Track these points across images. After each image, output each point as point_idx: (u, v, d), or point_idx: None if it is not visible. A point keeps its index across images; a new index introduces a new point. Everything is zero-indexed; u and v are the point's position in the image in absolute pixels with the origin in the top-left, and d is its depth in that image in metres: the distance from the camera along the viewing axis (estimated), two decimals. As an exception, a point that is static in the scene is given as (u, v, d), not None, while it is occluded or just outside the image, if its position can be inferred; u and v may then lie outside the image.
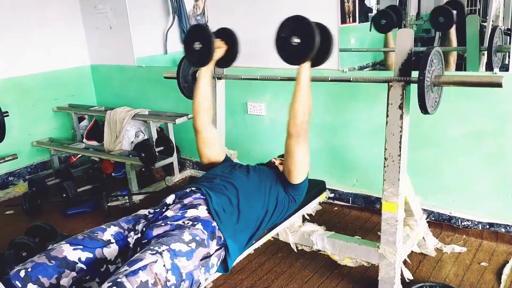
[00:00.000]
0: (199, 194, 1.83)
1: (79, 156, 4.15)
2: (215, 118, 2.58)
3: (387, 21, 3.10)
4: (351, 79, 2.13)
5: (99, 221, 3.08)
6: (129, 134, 3.82)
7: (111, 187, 3.56)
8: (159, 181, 3.70)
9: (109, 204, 3.23)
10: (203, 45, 2.09)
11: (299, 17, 1.87)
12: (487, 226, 2.56)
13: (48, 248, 1.57)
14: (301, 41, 1.86)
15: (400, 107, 1.92)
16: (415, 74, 1.85)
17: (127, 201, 3.29)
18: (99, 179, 3.63)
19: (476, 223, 2.59)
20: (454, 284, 2.20)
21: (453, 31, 2.86)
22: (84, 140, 4.07)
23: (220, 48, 2.15)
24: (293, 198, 2.07)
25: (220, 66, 2.33)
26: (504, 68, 2.40)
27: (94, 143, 4.03)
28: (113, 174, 4.01)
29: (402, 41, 1.91)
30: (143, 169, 3.76)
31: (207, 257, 1.61)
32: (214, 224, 1.72)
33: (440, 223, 2.70)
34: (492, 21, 2.75)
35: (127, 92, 4.20)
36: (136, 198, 3.43)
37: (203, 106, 2.17)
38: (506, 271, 2.25)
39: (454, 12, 2.82)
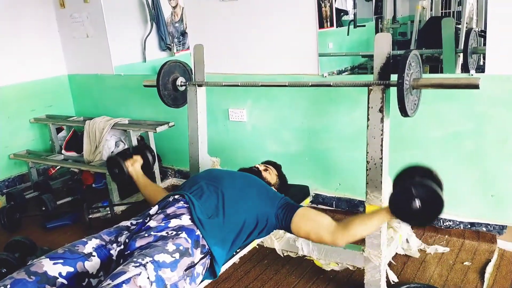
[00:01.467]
0: (182, 202, 1.81)
1: (58, 167, 4.07)
2: (196, 125, 2.56)
3: None
4: (332, 84, 2.14)
5: (80, 233, 3.03)
6: (109, 144, 3.76)
7: (92, 199, 3.50)
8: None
9: (90, 216, 3.17)
10: (119, 170, 2.42)
11: (431, 185, 1.70)
12: (469, 226, 2.59)
13: (28, 263, 1.53)
14: (421, 208, 1.67)
15: (381, 111, 1.93)
16: (394, 77, 1.87)
17: (109, 212, 3.23)
18: (79, 190, 3.57)
19: (458, 223, 2.62)
20: (439, 285, 2.22)
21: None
22: (63, 151, 3.99)
23: (136, 161, 2.43)
24: (277, 218, 1.97)
25: (145, 172, 2.50)
26: (480, 69, 2.44)
27: (73, 154, 3.95)
28: (93, 185, 3.94)
29: (380, 45, 1.93)
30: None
31: (191, 266, 1.59)
32: (198, 232, 1.70)
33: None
34: (466, 23, 2.81)
35: (106, 101, 4.14)
36: (118, 209, 3.37)
37: (150, 194, 2.30)
38: (488, 269, 2.28)
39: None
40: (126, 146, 3.75)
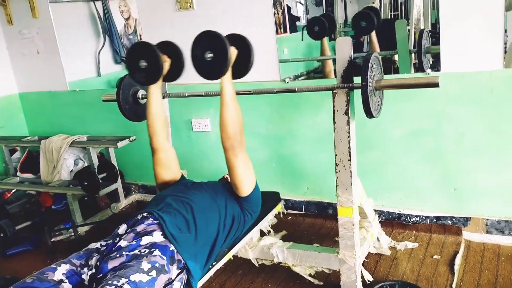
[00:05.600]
0: (152, 219, 1.76)
1: (13, 191, 3.87)
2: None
3: (319, 28, 3.18)
4: (297, 90, 2.15)
5: (43, 258, 2.90)
6: (68, 163, 3.62)
7: (53, 221, 3.36)
8: (104, 209, 3.53)
9: (52, 240, 3.03)
10: (150, 63, 2.04)
11: (210, 32, 1.88)
12: (435, 220, 2.67)
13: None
14: (214, 56, 1.87)
15: (346, 113, 1.96)
16: (356, 79, 1.91)
17: (72, 234, 3.11)
18: (38, 213, 3.42)
19: (424, 218, 2.69)
20: (412, 280, 2.26)
21: (374, 35, 2.98)
22: (18, 173, 3.81)
23: (165, 63, 2.08)
24: (248, 212, 2.04)
25: (166, 80, 2.26)
26: (433, 68, 2.53)
27: (30, 175, 3.79)
28: (53, 206, 3.78)
29: (342, 49, 1.95)
30: (85, 198, 3.57)
31: (169, 283, 1.55)
32: (172, 248, 1.65)
33: (391, 222, 2.78)
34: (415, 24, 2.91)
35: (61, 118, 3.99)
36: (82, 230, 3.25)
37: (159, 125, 2.11)
38: (457, 261, 2.35)
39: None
40: (86, 164, 3.63)
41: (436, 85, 1.84)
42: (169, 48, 2.12)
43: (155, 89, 2.11)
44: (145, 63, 2.04)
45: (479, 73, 2.31)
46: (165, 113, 2.14)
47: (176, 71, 2.14)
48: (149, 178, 3.70)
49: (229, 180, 2.25)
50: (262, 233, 2.52)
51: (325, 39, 3.17)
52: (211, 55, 1.88)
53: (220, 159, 3.25)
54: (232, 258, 2.15)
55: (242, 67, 2.00)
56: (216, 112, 3.15)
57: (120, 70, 4.43)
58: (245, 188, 2.00)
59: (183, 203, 1.87)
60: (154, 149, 2.12)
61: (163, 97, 2.47)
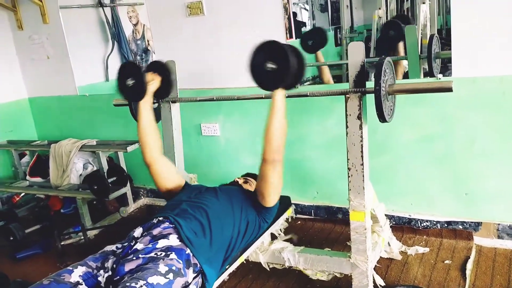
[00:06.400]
0: (168, 223, 1.77)
1: (22, 195, 3.89)
2: (172, 142, 2.52)
3: (314, 41, 3.18)
4: (308, 94, 2.16)
5: (53, 261, 2.91)
6: (77, 167, 3.64)
7: (62, 225, 3.36)
8: (113, 213, 3.55)
9: (62, 243, 3.04)
10: (136, 81, 2.10)
11: (273, 42, 1.85)
12: (445, 225, 2.66)
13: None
14: (277, 67, 1.83)
15: (359, 118, 1.96)
16: (368, 84, 1.92)
17: (82, 237, 3.12)
18: (48, 217, 3.42)
19: (435, 222, 2.69)
20: (423, 285, 2.26)
21: (401, 44, 2.98)
22: (28, 177, 3.83)
23: (154, 81, 2.17)
24: (264, 219, 2.05)
25: (158, 96, 2.34)
26: (444, 73, 2.53)
27: (39, 179, 3.80)
28: (62, 210, 3.79)
29: (354, 53, 1.96)
30: (94, 202, 3.59)
31: (185, 286, 1.55)
32: (188, 251, 1.66)
33: (401, 226, 2.78)
34: (421, 29, 2.92)
35: (70, 123, 4.02)
36: (91, 234, 3.26)
37: (149, 139, 2.12)
38: (469, 266, 2.34)
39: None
40: (95, 168, 3.65)
41: (449, 89, 1.85)
42: (160, 67, 2.26)
43: (144, 105, 2.13)
44: (132, 81, 2.11)
45: (491, 78, 2.32)
46: (156, 128, 2.15)
47: (166, 88, 2.27)
48: (157, 183, 3.73)
49: (240, 183, 2.27)
50: (274, 237, 2.52)
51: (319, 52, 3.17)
52: (273, 66, 1.83)
53: (228, 164, 3.30)
54: (245, 262, 2.15)
55: (294, 79, 1.92)
56: (225, 117, 3.18)
57: (128, 75, 4.45)
58: (273, 200, 2.01)
59: (198, 208, 1.87)
60: (147, 163, 2.13)
61: (174, 102, 2.49)
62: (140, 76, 2.09)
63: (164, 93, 2.31)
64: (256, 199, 2.01)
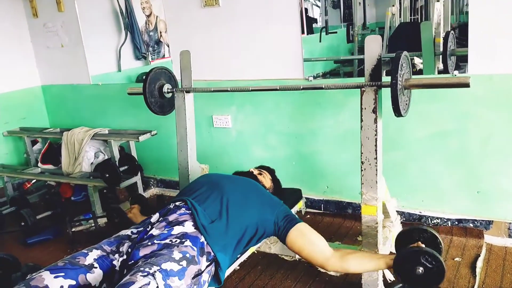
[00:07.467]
0: (184, 209, 1.78)
1: (33, 181, 3.93)
2: (185, 132, 2.53)
3: None
4: (324, 86, 2.16)
5: (64, 247, 2.94)
6: (89, 155, 3.66)
7: (72, 212, 3.39)
8: (123, 202, 3.57)
9: (73, 230, 3.07)
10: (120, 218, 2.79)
11: (425, 251, 1.79)
12: (456, 223, 2.65)
13: (27, 277, 1.46)
14: (425, 272, 1.77)
15: (374, 111, 1.96)
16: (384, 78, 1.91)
17: (92, 225, 3.15)
18: (59, 204, 3.45)
19: (445, 220, 2.68)
20: (433, 281, 2.25)
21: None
22: (39, 164, 3.86)
23: (134, 208, 2.58)
24: (277, 225, 1.99)
25: (144, 214, 2.59)
26: (460, 70, 2.52)
27: (50, 166, 3.83)
28: (72, 198, 3.82)
29: (371, 47, 1.96)
30: (104, 191, 3.61)
31: (198, 274, 1.56)
32: (202, 239, 1.67)
33: (411, 223, 2.77)
34: (434, 28, 2.91)
35: (82, 111, 4.04)
36: (101, 221, 3.28)
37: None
38: (479, 264, 2.34)
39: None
40: (106, 157, 3.67)
41: (467, 85, 1.85)
42: (139, 199, 2.98)
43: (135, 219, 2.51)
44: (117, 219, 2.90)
45: (507, 76, 2.30)
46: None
47: (146, 211, 2.59)
48: (167, 173, 3.75)
49: (254, 173, 2.29)
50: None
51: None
52: (422, 270, 1.77)
53: (239, 156, 3.31)
54: (256, 252, 2.16)
55: None
56: (237, 110, 3.18)
57: (140, 66, 4.47)
58: (323, 258, 1.95)
59: (219, 194, 1.88)
60: None
61: (188, 92, 2.50)
62: (124, 216, 2.77)
63: (146, 211, 2.60)
64: (281, 232, 1.96)
